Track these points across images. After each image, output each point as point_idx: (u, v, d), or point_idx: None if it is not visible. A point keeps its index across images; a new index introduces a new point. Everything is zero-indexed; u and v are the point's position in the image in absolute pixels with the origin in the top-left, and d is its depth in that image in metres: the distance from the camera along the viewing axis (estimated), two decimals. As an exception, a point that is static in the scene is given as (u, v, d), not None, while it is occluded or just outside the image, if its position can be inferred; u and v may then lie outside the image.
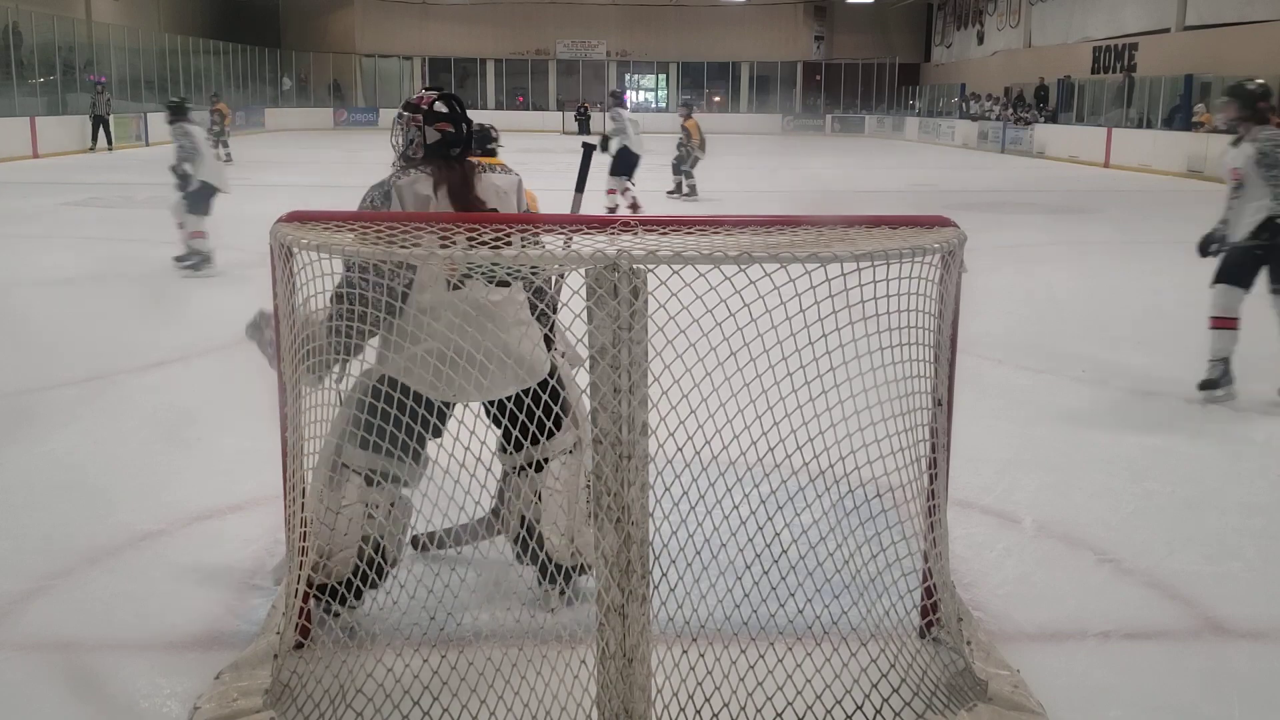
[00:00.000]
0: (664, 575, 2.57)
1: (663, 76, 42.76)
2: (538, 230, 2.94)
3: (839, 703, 2.60)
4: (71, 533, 3.70)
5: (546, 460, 3.11)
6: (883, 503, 2.68)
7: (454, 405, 3.00)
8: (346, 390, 2.93)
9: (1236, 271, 5.38)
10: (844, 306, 2.41)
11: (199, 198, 8.89)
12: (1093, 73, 27.46)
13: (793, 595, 2.69)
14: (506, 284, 2.96)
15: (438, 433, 2.92)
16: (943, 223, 2.72)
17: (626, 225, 2.56)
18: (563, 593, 3.16)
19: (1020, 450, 4.73)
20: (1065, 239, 12.10)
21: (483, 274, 2.77)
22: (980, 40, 36.46)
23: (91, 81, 24.47)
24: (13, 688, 2.78)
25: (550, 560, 3.04)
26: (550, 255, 2.54)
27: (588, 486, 2.71)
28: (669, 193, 15.50)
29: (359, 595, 2.99)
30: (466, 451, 2.72)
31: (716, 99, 42.07)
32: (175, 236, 9.05)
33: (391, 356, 2.92)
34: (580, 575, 3.17)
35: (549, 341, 3.17)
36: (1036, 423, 5.19)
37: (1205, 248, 5.52)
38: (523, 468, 3.13)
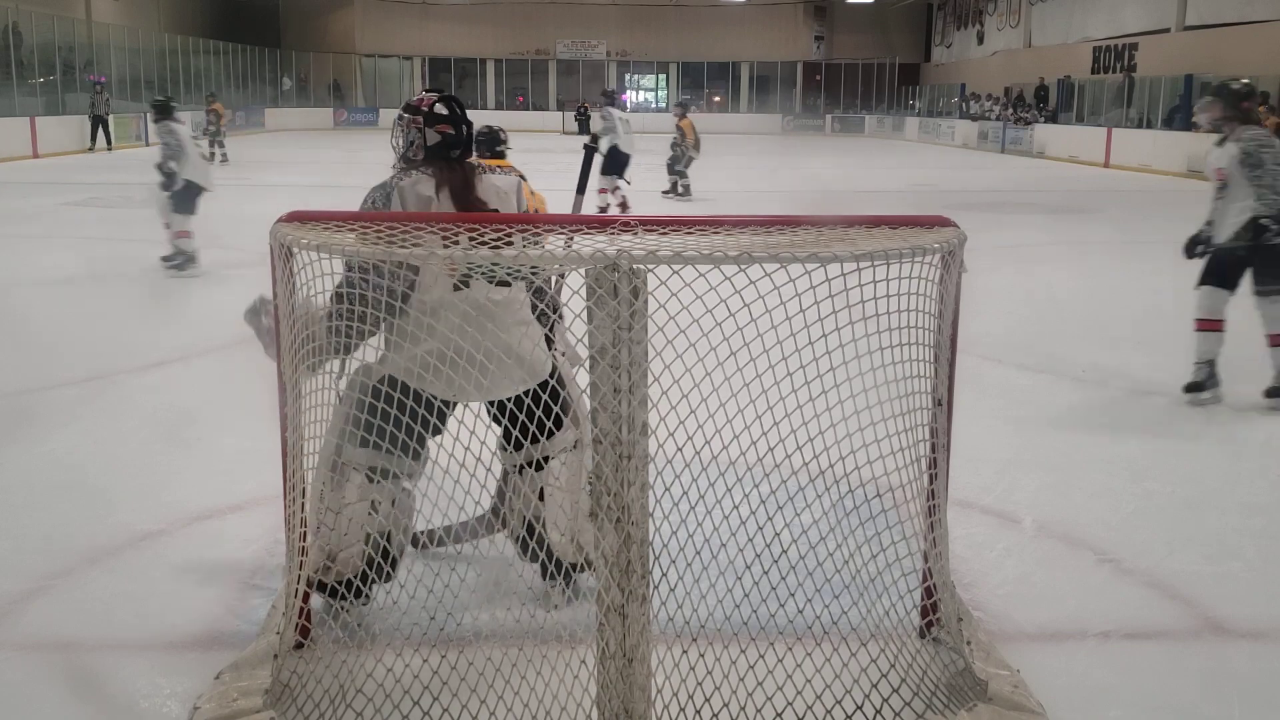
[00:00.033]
0: (664, 575, 2.57)
1: (663, 76, 42.76)
2: (538, 230, 2.95)
3: (839, 703, 2.60)
4: (71, 533, 3.70)
5: (547, 459, 3.12)
6: (883, 503, 2.68)
7: (454, 404, 3.01)
8: (343, 389, 2.93)
9: (1221, 273, 5.34)
10: (844, 306, 2.41)
11: (184, 197, 8.87)
12: (1093, 73, 27.47)
13: (793, 595, 2.69)
14: (507, 284, 2.96)
15: (438, 431, 2.93)
16: (943, 223, 2.72)
17: (626, 225, 2.57)
18: (564, 590, 3.17)
19: (1020, 450, 4.73)
20: (1065, 239, 12.10)
21: (483, 274, 2.77)
22: (980, 40, 36.45)
23: (91, 81, 24.46)
24: (13, 688, 2.78)
25: (553, 558, 3.05)
26: (550, 255, 2.55)
27: (589, 484, 2.71)
28: (664, 192, 15.50)
29: (366, 592, 3.00)
30: (466, 451, 2.73)
31: (716, 99, 42.09)
32: (163, 236, 9.04)
33: (392, 356, 2.92)
34: (581, 572, 3.18)
35: (549, 341, 3.18)
36: (1036, 423, 5.19)
37: (1191, 249, 5.48)
38: (523, 466, 3.13)
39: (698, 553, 2.59)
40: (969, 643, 2.77)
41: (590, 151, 3.96)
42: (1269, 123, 18.49)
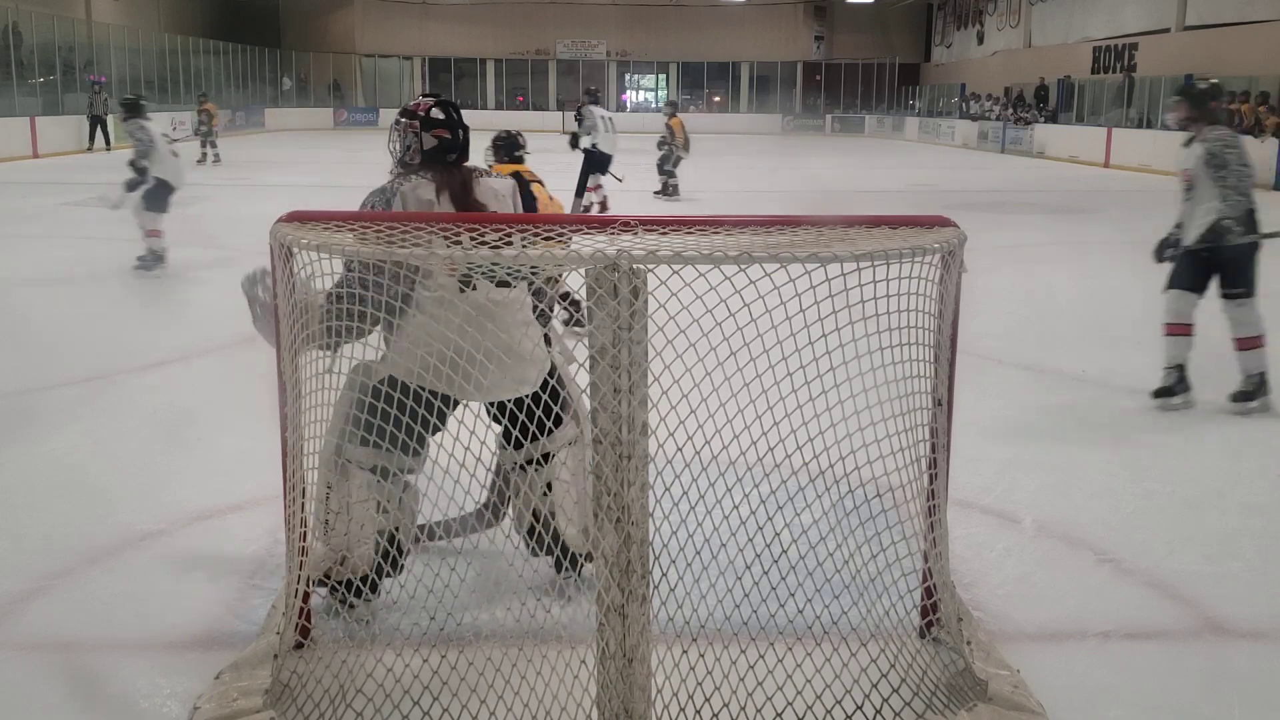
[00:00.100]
0: (664, 575, 2.57)
1: (663, 76, 42.75)
2: (539, 231, 2.95)
3: (839, 703, 2.60)
4: (71, 533, 3.71)
5: (548, 455, 3.14)
6: (883, 503, 2.68)
7: (455, 402, 3.01)
8: (341, 388, 2.94)
9: (1187, 276, 5.26)
10: (844, 306, 2.41)
11: (155, 195, 8.81)
12: (1093, 73, 27.46)
13: (793, 595, 2.69)
14: (508, 284, 2.97)
15: (438, 429, 2.94)
16: (943, 223, 2.72)
17: (626, 225, 2.57)
18: (576, 581, 3.21)
19: (1020, 450, 4.73)
20: (1065, 239, 12.10)
21: (485, 275, 2.77)
22: (980, 40, 36.45)
23: (90, 81, 24.45)
24: (13, 688, 2.78)
25: (566, 551, 3.11)
26: (550, 255, 2.55)
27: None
28: (655, 193, 15.47)
29: (375, 588, 3.02)
30: (466, 451, 2.73)
31: (716, 99, 42.09)
32: (137, 235, 8.98)
33: (393, 356, 2.93)
34: (590, 561, 3.20)
35: (547, 340, 3.20)
36: (1036, 422, 5.19)
37: (1161, 252, 5.40)
38: (524, 464, 3.15)
39: (698, 553, 2.59)
40: (969, 643, 2.77)
41: (589, 155, 3.96)
42: (1269, 123, 18.56)
